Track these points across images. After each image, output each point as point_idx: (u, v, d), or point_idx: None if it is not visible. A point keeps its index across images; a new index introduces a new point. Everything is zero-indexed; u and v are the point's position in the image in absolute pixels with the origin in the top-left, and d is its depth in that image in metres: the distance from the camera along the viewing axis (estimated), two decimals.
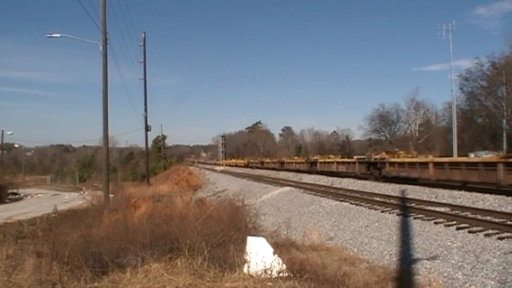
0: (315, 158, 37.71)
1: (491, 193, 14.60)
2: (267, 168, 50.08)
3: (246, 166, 64.06)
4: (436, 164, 18.87)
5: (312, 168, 35.25)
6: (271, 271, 5.93)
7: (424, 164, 19.63)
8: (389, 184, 20.94)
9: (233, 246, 6.73)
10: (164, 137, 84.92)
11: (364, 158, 27.12)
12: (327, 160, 33.78)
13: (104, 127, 17.82)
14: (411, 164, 20.76)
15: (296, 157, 50.10)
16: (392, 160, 22.93)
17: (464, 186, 16.54)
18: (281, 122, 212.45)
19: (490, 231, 9.69)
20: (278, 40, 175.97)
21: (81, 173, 68.91)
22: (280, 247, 8.07)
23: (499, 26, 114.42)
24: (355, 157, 30.98)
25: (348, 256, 9.55)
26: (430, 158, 21.06)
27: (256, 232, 9.78)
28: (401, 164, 21.61)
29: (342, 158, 33.08)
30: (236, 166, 72.39)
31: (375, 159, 24.89)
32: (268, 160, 56.63)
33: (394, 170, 22.04)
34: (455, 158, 19.42)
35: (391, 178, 22.11)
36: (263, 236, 7.37)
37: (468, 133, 41.77)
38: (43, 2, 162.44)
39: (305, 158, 41.45)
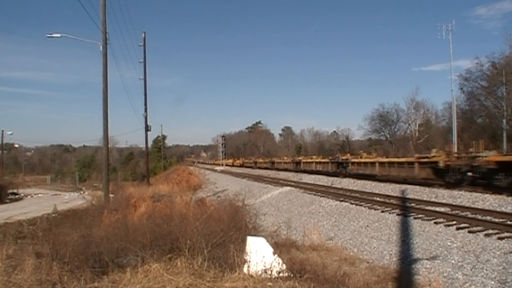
0: (300, 158, 43.83)
1: (491, 193, 14.63)
2: (260, 168, 54.71)
3: (242, 165, 68.67)
4: (380, 163, 24.14)
5: (297, 167, 40.34)
6: (271, 271, 5.93)
7: (373, 164, 24.92)
8: (389, 184, 20.99)
9: (233, 246, 6.73)
10: (164, 137, 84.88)
11: (335, 159, 31.96)
12: (309, 160, 39.46)
13: (104, 127, 17.81)
14: (365, 163, 26.36)
15: (285, 157, 54.29)
16: (354, 160, 28.40)
17: (404, 180, 21.50)
18: (281, 122, 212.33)
19: (490, 231, 9.70)
20: (278, 40, 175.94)
21: (81, 173, 68.90)
22: (280, 247, 8.05)
23: (499, 26, 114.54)
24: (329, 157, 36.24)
25: (348, 256, 9.55)
26: (376, 158, 26.49)
27: (256, 232, 9.76)
28: (359, 163, 27.31)
29: (322, 158, 37.60)
30: (233, 166, 74.34)
31: (342, 159, 29.86)
32: (260, 160, 59.48)
33: (355, 168, 27.40)
34: (392, 158, 24.85)
35: (353, 175, 27.23)
36: (262, 236, 7.37)
37: (468, 133, 41.71)
38: (43, 2, 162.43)
39: (292, 159, 46.88)
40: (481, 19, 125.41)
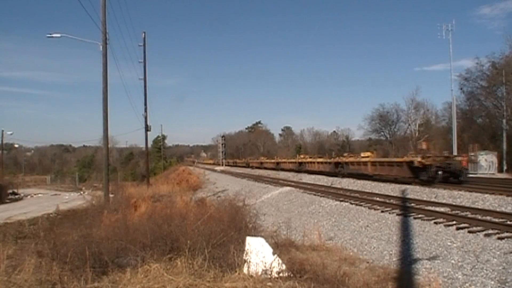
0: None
1: (491, 193, 14.64)
2: (240, 166, 62.78)
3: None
4: (308, 162, 32.96)
5: (277, 166, 50.18)
6: (271, 271, 5.93)
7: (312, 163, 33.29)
8: (389, 184, 20.98)
9: (233, 246, 6.73)
10: (164, 137, 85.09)
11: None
12: (267, 161, 53.26)
13: (104, 127, 17.81)
14: (311, 163, 34.70)
15: (262, 158, 61.94)
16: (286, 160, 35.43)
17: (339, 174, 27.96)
18: (281, 122, 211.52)
19: (490, 231, 9.69)
20: (278, 40, 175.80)
21: (81, 173, 68.98)
22: (280, 247, 8.06)
23: (503, 25, 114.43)
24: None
25: (348, 256, 9.54)
26: (309, 159, 35.62)
27: (256, 232, 9.76)
28: (304, 163, 35.82)
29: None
30: (221, 165, 75.54)
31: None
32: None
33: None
34: (324, 159, 32.39)
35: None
36: (262, 236, 7.38)
37: (468, 133, 41.73)
38: (43, 2, 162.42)
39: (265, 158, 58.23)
40: (485, 19, 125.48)
